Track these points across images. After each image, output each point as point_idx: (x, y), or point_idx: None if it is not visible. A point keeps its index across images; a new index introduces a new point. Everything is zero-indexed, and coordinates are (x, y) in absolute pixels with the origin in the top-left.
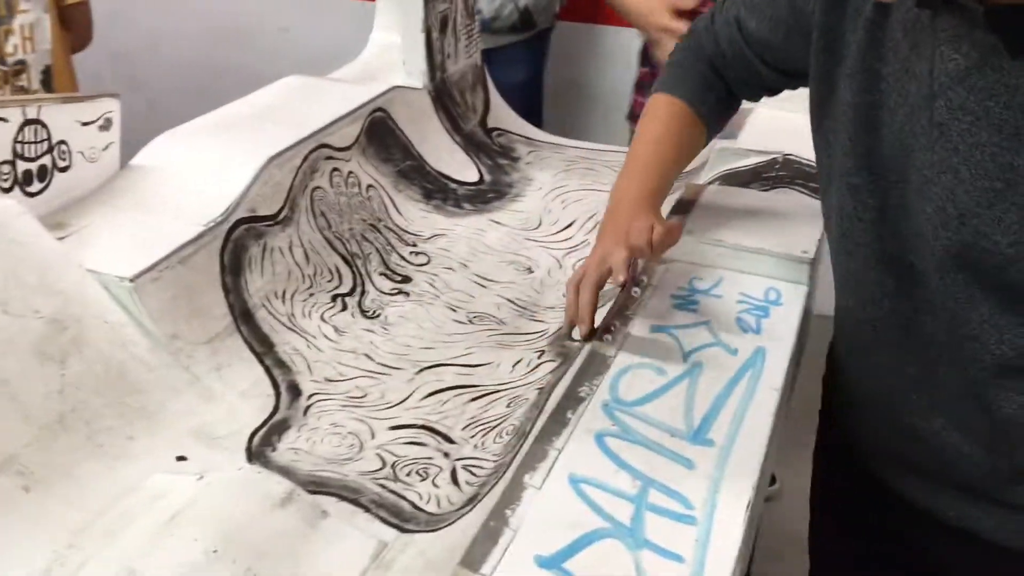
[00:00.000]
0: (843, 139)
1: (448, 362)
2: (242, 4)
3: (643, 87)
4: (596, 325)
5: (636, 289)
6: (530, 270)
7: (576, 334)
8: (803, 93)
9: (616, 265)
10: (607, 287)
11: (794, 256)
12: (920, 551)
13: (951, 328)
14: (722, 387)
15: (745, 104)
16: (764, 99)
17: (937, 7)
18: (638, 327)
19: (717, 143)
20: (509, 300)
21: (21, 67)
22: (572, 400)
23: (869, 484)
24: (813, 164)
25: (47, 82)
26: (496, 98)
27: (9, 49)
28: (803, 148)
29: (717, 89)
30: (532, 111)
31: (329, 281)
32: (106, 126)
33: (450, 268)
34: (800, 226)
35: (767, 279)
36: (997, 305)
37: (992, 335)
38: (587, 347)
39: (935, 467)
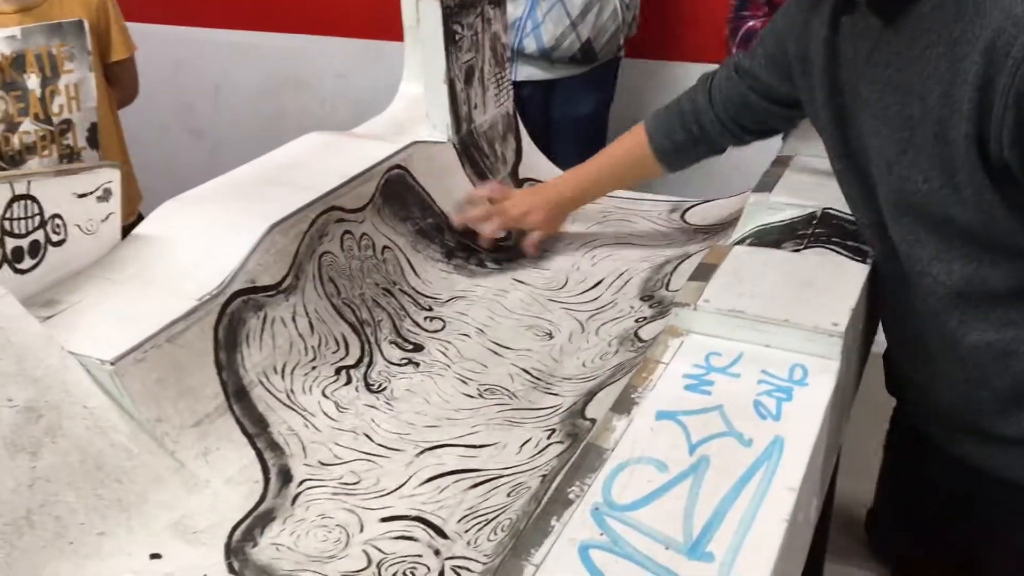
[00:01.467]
0: (827, 138)
1: (451, 442)
2: (301, 52)
3: None
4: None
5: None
6: (550, 335)
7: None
8: None
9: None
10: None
11: (823, 328)
12: (950, 494)
13: (910, 269)
14: (730, 487)
15: (784, 152)
16: (807, 149)
17: (851, 10)
18: (642, 414)
19: (751, 196)
20: (524, 370)
21: (67, 126)
22: (559, 503)
23: (915, 440)
24: (854, 219)
25: (93, 139)
26: (529, 146)
27: (55, 109)
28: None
29: (677, 136)
30: (593, 147)
31: (335, 352)
32: (105, 197)
33: (465, 335)
34: (832, 293)
35: (793, 354)
36: (939, 240)
37: (941, 268)
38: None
39: (944, 412)
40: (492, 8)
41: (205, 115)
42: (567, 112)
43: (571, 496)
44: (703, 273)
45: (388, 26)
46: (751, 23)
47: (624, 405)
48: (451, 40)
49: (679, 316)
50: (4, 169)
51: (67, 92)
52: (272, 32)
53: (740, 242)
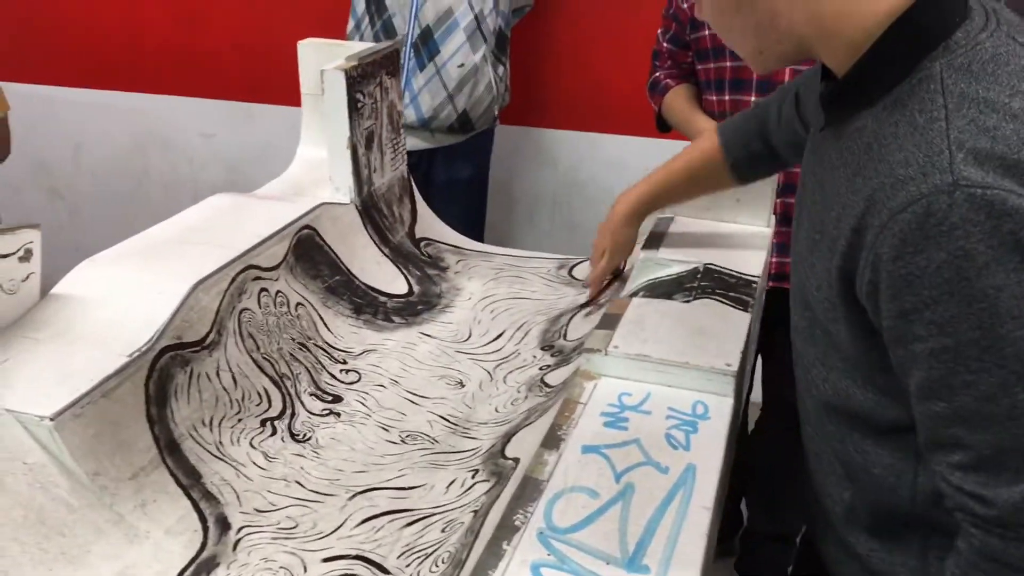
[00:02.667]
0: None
1: (381, 485)
2: (165, 111)
3: None
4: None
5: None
6: (461, 384)
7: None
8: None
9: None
10: None
11: (719, 369)
12: None
13: (801, 361)
14: (654, 509)
15: (666, 213)
16: (684, 211)
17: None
18: (570, 449)
19: (640, 254)
20: (441, 417)
21: None
22: (507, 529)
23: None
24: (733, 273)
25: None
26: (423, 208)
27: None
28: (723, 257)
29: (753, 146)
30: (475, 211)
31: (258, 405)
32: (26, 257)
33: (381, 385)
34: (723, 338)
35: (694, 392)
36: (826, 347)
37: (820, 372)
38: (521, 468)
39: (822, 516)
40: (389, 78)
41: (64, 175)
42: (448, 177)
43: (517, 523)
44: (609, 322)
45: (257, 88)
46: (657, 74)
47: (552, 441)
48: (354, 107)
49: (591, 361)
50: None
51: None
52: (135, 92)
53: (635, 294)
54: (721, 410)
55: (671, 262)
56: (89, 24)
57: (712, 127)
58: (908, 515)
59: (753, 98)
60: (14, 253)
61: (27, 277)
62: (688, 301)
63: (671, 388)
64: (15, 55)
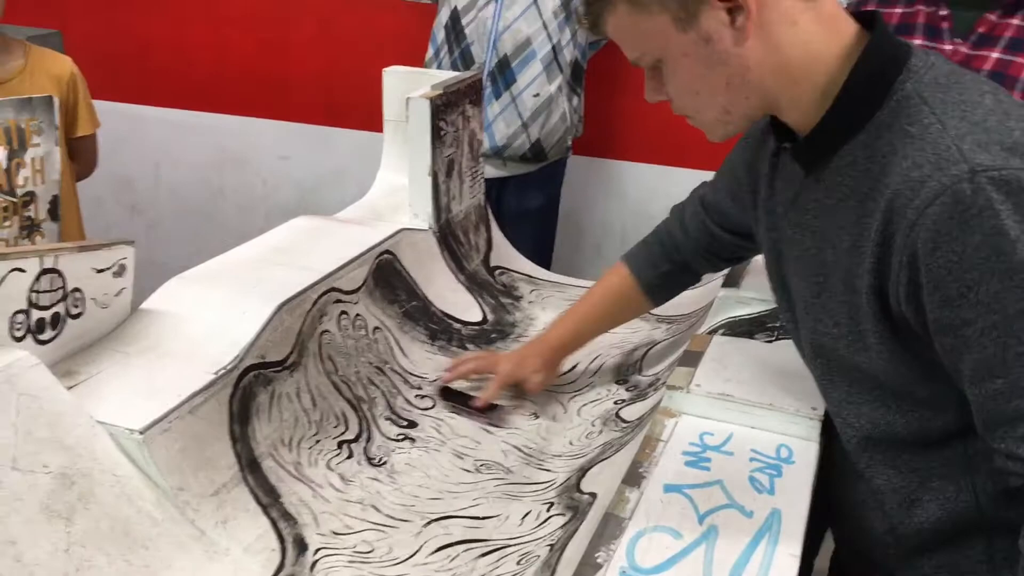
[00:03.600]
0: (767, 268)
1: (456, 514)
2: (244, 133)
3: None
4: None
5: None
6: (535, 415)
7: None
8: None
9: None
10: None
11: (803, 412)
12: None
13: (829, 408)
14: (739, 554)
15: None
16: None
17: (779, 153)
18: (651, 487)
19: (720, 291)
20: (516, 447)
21: (30, 198)
22: (589, 567)
23: None
24: None
25: (54, 212)
26: (498, 236)
27: (20, 181)
28: None
29: (663, 267)
30: (544, 240)
31: (335, 427)
32: (120, 272)
33: (455, 413)
34: (807, 381)
35: (778, 435)
36: (850, 384)
37: (851, 411)
38: (599, 504)
39: (880, 553)
40: (471, 107)
41: (144, 191)
42: (518, 206)
43: (599, 560)
44: (690, 359)
45: (334, 113)
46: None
47: (634, 478)
48: (436, 135)
49: (673, 398)
50: None
51: (33, 165)
52: (215, 112)
53: (714, 331)
54: (806, 455)
55: (752, 300)
56: (178, 46)
57: (615, 265)
58: (972, 521)
59: None
60: (109, 268)
61: (119, 292)
62: (770, 341)
63: (754, 429)
64: (106, 74)
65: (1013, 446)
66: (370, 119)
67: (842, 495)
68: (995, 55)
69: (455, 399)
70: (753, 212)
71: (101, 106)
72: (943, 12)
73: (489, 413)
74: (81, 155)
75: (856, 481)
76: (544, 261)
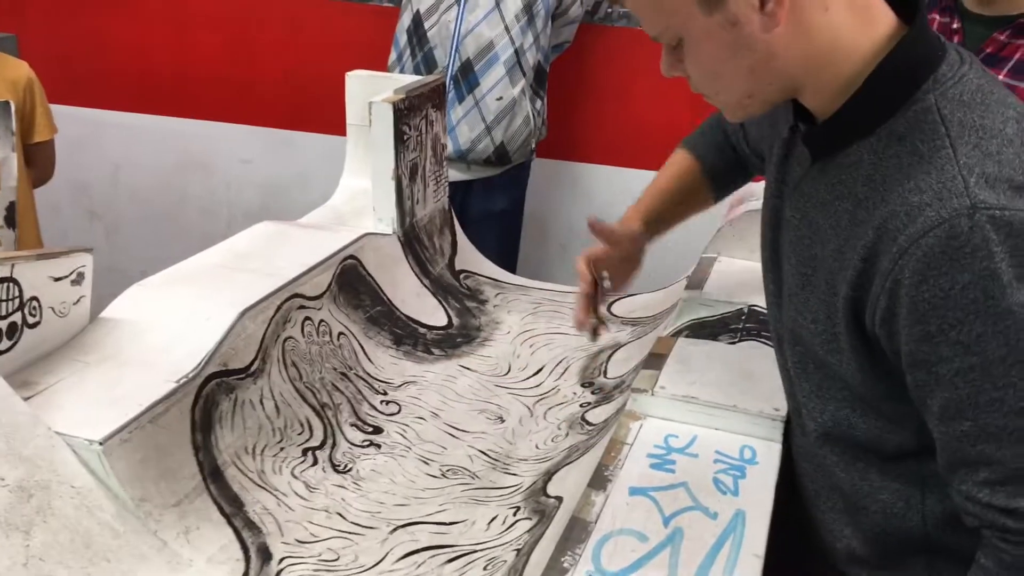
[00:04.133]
0: (761, 234)
1: (422, 520)
2: (206, 137)
3: None
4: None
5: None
6: (501, 419)
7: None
8: None
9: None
10: None
11: (767, 413)
12: None
13: (795, 396)
14: (704, 555)
15: (709, 254)
16: (727, 250)
17: (795, 130)
18: (617, 490)
19: (684, 293)
20: (482, 452)
21: None
22: (556, 571)
23: None
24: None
25: (11, 219)
26: (463, 240)
27: None
28: None
29: (726, 154)
30: (509, 243)
31: (300, 434)
32: (78, 280)
33: (421, 418)
34: (770, 382)
35: (741, 437)
36: (822, 378)
37: (817, 405)
38: (564, 508)
39: (821, 556)
40: (434, 111)
41: (102, 196)
42: (483, 209)
43: (565, 564)
44: (654, 362)
45: (296, 116)
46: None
47: (599, 482)
48: (400, 139)
49: (637, 401)
50: None
51: None
52: (176, 116)
53: (678, 333)
54: (770, 456)
55: (715, 302)
56: (138, 49)
57: (677, 150)
58: (916, 541)
59: None
60: (66, 276)
61: (78, 300)
62: (734, 342)
63: (718, 431)
64: (64, 78)
65: (973, 490)
66: (334, 123)
67: (801, 482)
68: (999, 79)
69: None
70: (766, 166)
71: (58, 110)
72: (955, 25)
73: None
74: (38, 161)
75: (814, 471)
76: (510, 264)
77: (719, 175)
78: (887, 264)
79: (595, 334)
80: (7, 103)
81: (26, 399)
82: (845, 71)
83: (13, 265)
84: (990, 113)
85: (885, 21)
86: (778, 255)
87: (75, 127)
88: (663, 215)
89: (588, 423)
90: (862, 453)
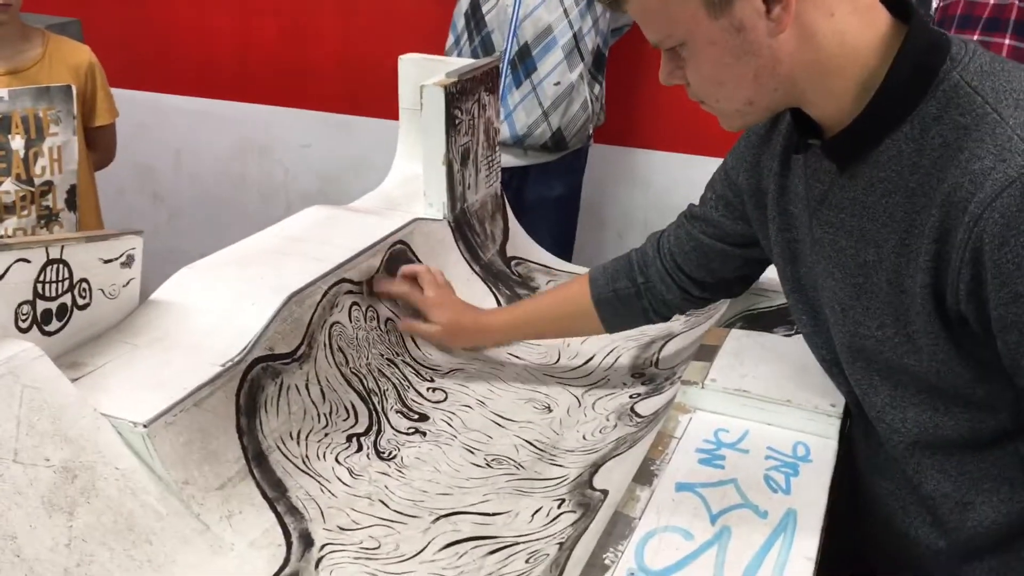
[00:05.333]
0: (779, 271)
1: (465, 510)
2: (266, 122)
3: None
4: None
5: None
6: (549, 408)
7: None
8: None
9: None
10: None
11: (823, 410)
12: None
13: (867, 413)
14: (752, 556)
15: None
16: None
17: (803, 150)
18: (663, 485)
19: None
20: (528, 442)
21: (48, 188)
22: (597, 568)
23: None
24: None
25: (71, 201)
26: (515, 226)
27: (37, 171)
28: None
29: (628, 282)
30: (565, 230)
31: (345, 420)
32: (128, 263)
33: (467, 406)
34: (827, 377)
35: (795, 433)
36: (893, 387)
37: (895, 416)
38: (609, 502)
39: (923, 562)
40: (487, 95)
41: (165, 179)
42: (539, 196)
43: (607, 561)
44: (706, 353)
45: (355, 101)
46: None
47: (645, 476)
48: (451, 124)
49: (687, 394)
50: None
51: (50, 154)
52: (237, 101)
53: (730, 324)
54: (824, 453)
55: (771, 292)
56: (199, 35)
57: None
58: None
59: None
60: (116, 259)
61: (128, 283)
62: (790, 335)
63: (771, 427)
64: (126, 63)
65: None
66: (390, 107)
67: (878, 501)
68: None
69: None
70: (758, 214)
71: (121, 95)
72: (1016, 2)
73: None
74: (99, 145)
75: (900, 487)
76: (565, 251)
77: (608, 303)
78: (962, 235)
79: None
80: (69, 87)
81: (74, 380)
82: (855, 74)
83: (63, 247)
84: (1013, 77)
85: (883, 21)
86: (801, 284)
87: (138, 111)
88: (531, 330)
89: (637, 415)
90: (955, 450)
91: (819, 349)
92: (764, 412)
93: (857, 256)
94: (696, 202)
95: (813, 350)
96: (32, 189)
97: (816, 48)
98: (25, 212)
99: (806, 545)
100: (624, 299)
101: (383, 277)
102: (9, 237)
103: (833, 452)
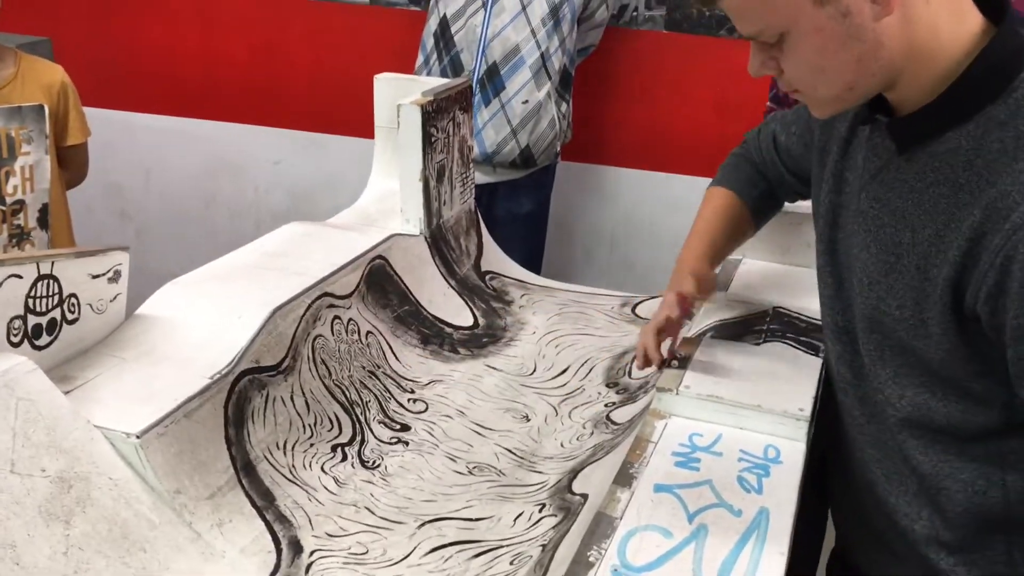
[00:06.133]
0: (818, 230)
1: (449, 515)
2: (236, 139)
3: None
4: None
5: (686, 321)
6: (527, 418)
7: (650, 370)
8: (795, 246)
9: (669, 303)
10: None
11: (791, 413)
12: None
13: (869, 383)
14: (728, 552)
15: (734, 256)
16: (752, 251)
17: (870, 122)
18: (642, 487)
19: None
20: (508, 450)
21: (19, 206)
22: (582, 565)
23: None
24: (803, 317)
25: (43, 220)
26: (489, 242)
27: (9, 190)
28: (792, 300)
29: (760, 186)
30: (534, 245)
31: (329, 431)
32: (115, 278)
33: (448, 416)
34: (795, 382)
35: (766, 436)
36: (900, 365)
37: (894, 391)
38: (590, 505)
39: (899, 539)
40: (461, 113)
41: (134, 198)
42: (508, 212)
43: (591, 559)
44: (681, 363)
45: (325, 119)
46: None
47: (624, 479)
48: (428, 141)
49: (662, 400)
50: None
51: (22, 174)
52: (209, 120)
53: (703, 334)
54: (793, 455)
55: (740, 304)
56: (169, 53)
57: (710, 191)
58: (997, 519)
59: None
60: (104, 274)
61: (115, 298)
62: (758, 343)
63: (743, 431)
64: (98, 80)
65: None
66: (362, 125)
67: (865, 467)
68: None
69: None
70: (817, 170)
71: (91, 113)
72: None
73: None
74: (72, 163)
75: (886, 456)
76: (534, 266)
77: (759, 207)
78: (998, 241)
79: (666, 365)
80: (41, 107)
81: (66, 393)
82: (941, 63)
83: (53, 262)
84: None
85: (974, 19)
86: (835, 248)
87: (108, 129)
88: (721, 253)
89: (613, 422)
90: (941, 435)
91: (835, 314)
92: (736, 417)
93: (894, 236)
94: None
95: (827, 314)
96: (3, 208)
97: (913, 33)
98: None
99: (779, 541)
100: (767, 200)
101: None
102: None
103: (802, 454)
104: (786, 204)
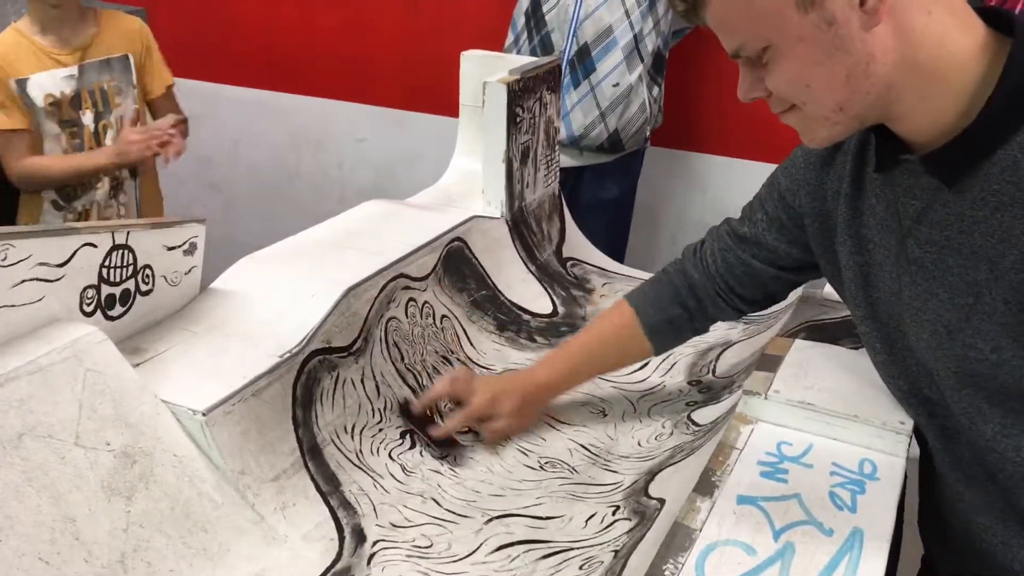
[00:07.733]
0: (848, 297)
1: (518, 512)
2: (322, 115)
3: None
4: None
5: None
6: (604, 413)
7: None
8: None
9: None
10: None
11: (891, 426)
12: None
13: (973, 444)
14: (817, 575)
15: None
16: None
17: (890, 168)
18: (724, 497)
19: (800, 290)
20: (582, 445)
21: None
22: None
23: None
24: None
25: (132, 169)
26: (572, 227)
27: (107, 142)
28: None
29: (672, 311)
30: (619, 232)
31: (399, 416)
32: (190, 251)
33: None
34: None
35: (862, 449)
36: (1004, 414)
37: (1009, 444)
38: (667, 512)
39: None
40: (549, 93)
41: (223, 170)
42: (594, 197)
43: (667, 573)
44: (769, 364)
45: (411, 97)
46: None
47: (706, 487)
48: (512, 121)
49: (749, 404)
50: (60, 204)
51: (118, 125)
52: (295, 94)
53: (794, 334)
54: (892, 472)
55: (836, 304)
56: (263, 27)
57: (618, 302)
58: None
59: None
60: (179, 246)
61: (189, 270)
62: (857, 347)
63: (836, 442)
64: (188, 53)
65: None
66: (446, 104)
67: (973, 535)
68: None
69: (414, 422)
70: (822, 239)
71: (182, 84)
72: None
73: (446, 448)
74: (162, 112)
75: (1000, 521)
76: (618, 253)
77: (662, 331)
78: None
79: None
80: (126, 56)
81: (135, 366)
82: (958, 81)
83: (128, 232)
84: None
85: (979, 29)
86: (875, 310)
87: (198, 101)
88: (585, 373)
89: (694, 423)
90: None
91: (895, 379)
92: (829, 426)
93: (966, 275)
94: (735, 216)
95: (887, 380)
96: None
97: (914, 46)
98: (99, 184)
99: (873, 566)
100: (678, 326)
101: (433, 425)
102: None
103: (901, 471)
104: None
